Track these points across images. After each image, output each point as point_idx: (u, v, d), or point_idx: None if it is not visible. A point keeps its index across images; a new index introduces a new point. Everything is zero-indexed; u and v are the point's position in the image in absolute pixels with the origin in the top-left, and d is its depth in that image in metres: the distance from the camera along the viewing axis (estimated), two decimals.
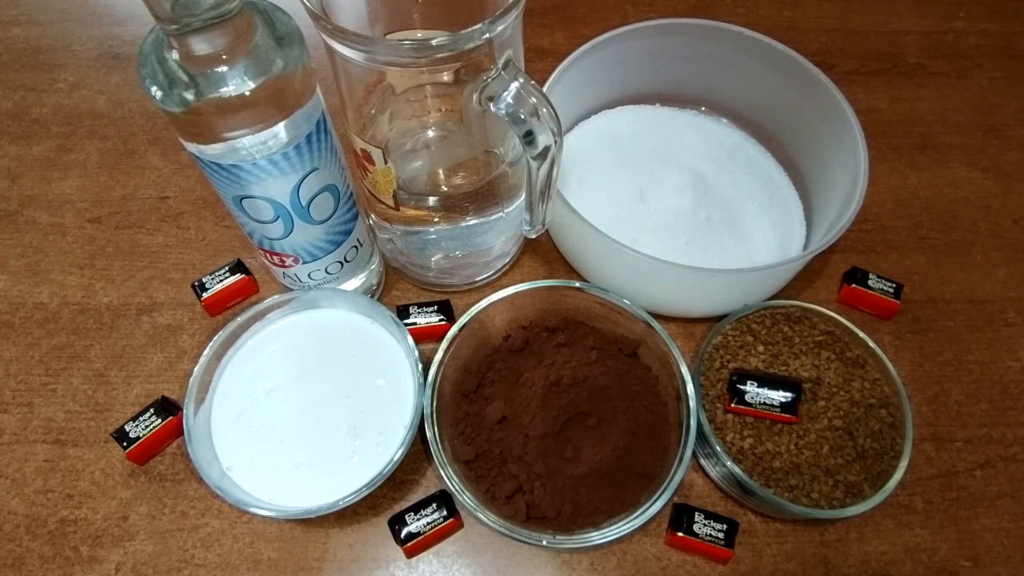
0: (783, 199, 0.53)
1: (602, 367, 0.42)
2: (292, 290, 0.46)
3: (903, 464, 0.40)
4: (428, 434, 0.40)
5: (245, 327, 0.43)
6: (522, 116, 0.34)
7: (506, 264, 0.52)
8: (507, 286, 0.44)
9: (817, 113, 0.50)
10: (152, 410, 0.44)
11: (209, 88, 0.30)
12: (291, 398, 0.42)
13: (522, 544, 0.39)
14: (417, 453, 0.45)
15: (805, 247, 0.50)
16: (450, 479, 0.39)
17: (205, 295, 0.49)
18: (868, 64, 0.67)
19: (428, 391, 0.41)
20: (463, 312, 0.44)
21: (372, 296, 0.50)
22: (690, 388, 0.41)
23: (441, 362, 0.42)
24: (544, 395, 0.41)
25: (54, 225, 0.55)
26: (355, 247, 0.44)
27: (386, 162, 0.38)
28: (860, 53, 0.67)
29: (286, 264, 0.42)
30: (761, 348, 0.44)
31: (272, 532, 0.42)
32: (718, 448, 0.40)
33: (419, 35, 0.38)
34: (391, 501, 0.43)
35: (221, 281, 0.50)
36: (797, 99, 0.51)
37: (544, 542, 0.37)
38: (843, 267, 0.53)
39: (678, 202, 0.51)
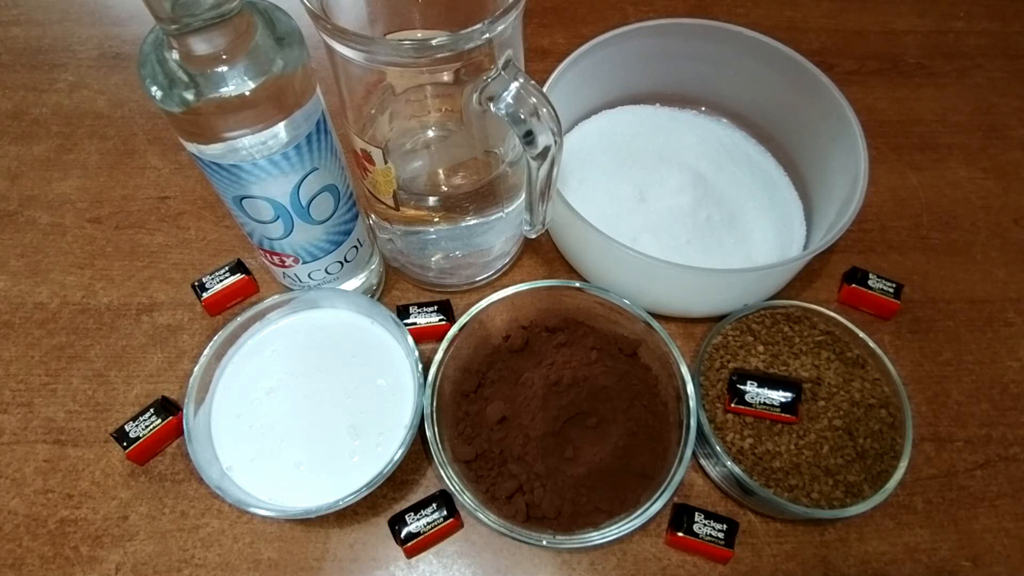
0: (783, 199, 0.53)
1: (602, 367, 0.42)
2: (292, 290, 0.46)
3: (903, 464, 0.40)
4: (428, 434, 0.40)
5: (245, 327, 0.43)
6: (522, 116, 0.34)
7: (506, 264, 0.52)
8: (507, 286, 0.44)
9: (817, 113, 0.50)
10: (152, 410, 0.44)
11: (209, 88, 0.30)
12: (291, 398, 0.42)
13: (522, 544, 0.39)
14: (417, 453, 0.45)
15: (805, 247, 0.50)
16: (450, 479, 0.39)
17: (205, 295, 0.49)
18: (868, 64, 0.67)
19: (428, 391, 0.41)
20: (463, 312, 0.44)
21: (372, 296, 0.50)
22: (690, 388, 0.41)
23: (441, 362, 0.42)
24: (544, 395, 0.41)
25: (54, 225, 0.55)
26: (355, 247, 0.44)
27: (386, 162, 0.38)
28: (860, 53, 0.67)
29: (286, 264, 0.42)
30: (761, 348, 0.44)
31: (272, 532, 0.42)
32: (718, 448, 0.40)
33: (419, 35, 0.38)
34: (391, 501, 0.43)
35: (221, 281, 0.50)
36: (797, 99, 0.51)
37: (544, 542, 0.37)
38: (843, 267, 0.53)
39: (678, 202, 0.51)
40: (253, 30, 0.31)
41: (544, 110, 0.34)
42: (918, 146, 0.61)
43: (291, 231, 0.39)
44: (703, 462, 0.44)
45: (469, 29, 0.31)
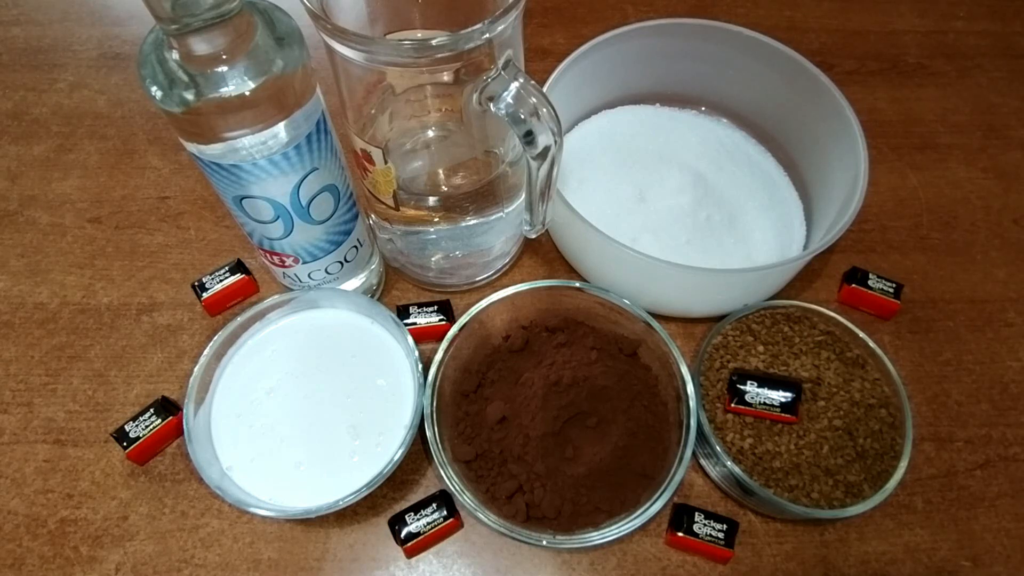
0: (783, 199, 0.53)
1: (602, 367, 0.42)
2: (292, 290, 0.46)
3: (903, 464, 0.40)
4: (428, 434, 0.40)
5: (245, 327, 0.43)
6: (522, 116, 0.34)
7: (506, 264, 0.52)
8: (507, 286, 0.44)
9: (817, 113, 0.50)
10: (152, 410, 0.44)
11: (209, 88, 0.30)
12: (291, 398, 0.42)
13: (522, 544, 0.39)
14: (417, 453, 0.45)
15: (805, 247, 0.50)
16: (450, 479, 0.39)
17: (205, 295, 0.49)
18: (868, 64, 0.67)
19: (428, 391, 0.41)
20: (463, 312, 0.44)
21: (372, 296, 0.50)
22: (690, 388, 0.41)
23: (441, 362, 0.42)
24: (544, 395, 0.41)
25: (54, 225, 0.55)
26: (355, 247, 0.44)
27: (386, 162, 0.38)
28: (860, 53, 0.67)
29: (286, 264, 0.42)
30: (761, 348, 0.44)
31: (272, 532, 0.42)
32: (718, 448, 0.40)
33: (419, 35, 0.38)
34: (391, 501, 0.43)
35: (221, 281, 0.50)
36: (797, 99, 0.51)
37: (544, 542, 0.37)
38: (843, 267, 0.53)
39: (678, 202, 0.51)
40: (253, 30, 0.31)
41: (544, 110, 0.34)
42: (918, 146, 0.61)
43: (291, 231, 0.39)
44: (703, 462, 0.44)
45: (469, 29, 0.31)
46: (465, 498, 0.38)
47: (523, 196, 0.42)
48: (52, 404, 0.47)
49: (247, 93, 0.30)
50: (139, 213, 0.56)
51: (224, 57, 0.30)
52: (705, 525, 0.41)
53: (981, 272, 0.54)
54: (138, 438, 0.43)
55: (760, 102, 0.55)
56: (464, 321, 0.43)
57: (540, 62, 0.64)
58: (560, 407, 0.40)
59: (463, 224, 0.45)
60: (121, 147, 0.60)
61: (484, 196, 0.43)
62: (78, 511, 0.43)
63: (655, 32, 0.52)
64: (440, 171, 0.45)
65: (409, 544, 0.41)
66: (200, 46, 0.29)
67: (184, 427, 0.39)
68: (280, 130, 0.33)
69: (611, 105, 0.58)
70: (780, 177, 0.54)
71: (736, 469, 0.40)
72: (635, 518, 0.38)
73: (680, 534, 0.40)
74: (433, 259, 0.48)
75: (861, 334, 0.44)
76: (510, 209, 0.45)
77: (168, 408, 0.44)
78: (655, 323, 0.43)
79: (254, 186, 0.35)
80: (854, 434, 0.41)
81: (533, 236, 0.44)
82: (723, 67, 0.54)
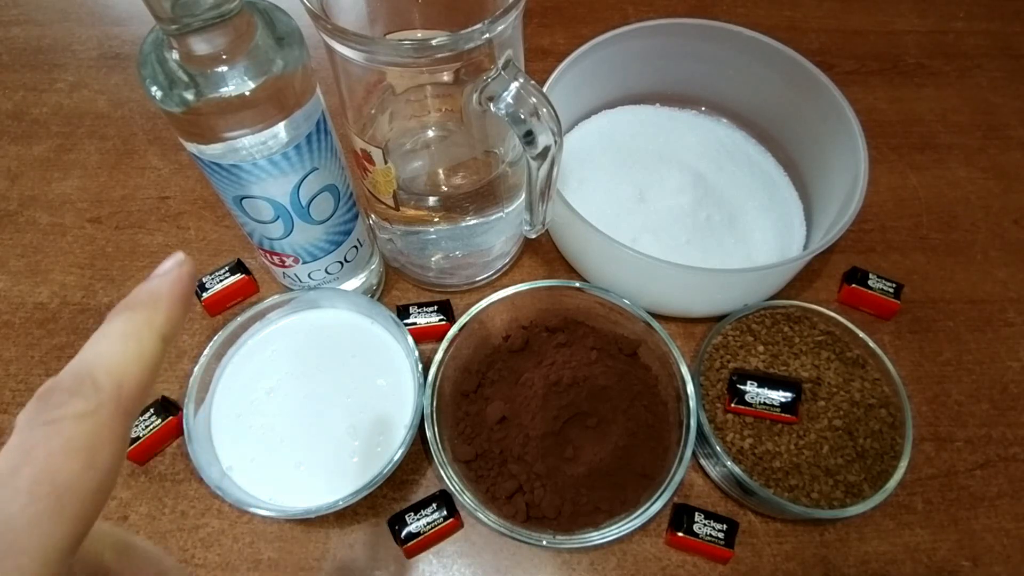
0: (783, 199, 0.53)
1: (602, 367, 0.42)
2: (292, 290, 0.46)
3: (903, 464, 0.40)
4: (428, 434, 0.40)
5: (245, 327, 0.43)
6: (522, 116, 0.34)
7: (506, 264, 0.52)
8: (507, 286, 0.44)
9: (817, 113, 0.50)
10: (152, 410, 0.44)
11: (209, 88, 0.30)
12: (291, 398, 0.42)
13: (522, 544, 0.39)
14: (417, 453, 0.45)
15: (805, 247, 0.50)
16: (450, 479, 0.39)
17: (205, 295, 0.49)
18: (868, 64, 0.67)
19: (428, 391, 0.41)
20: (463, 312, 0.44)
21: (372, 296, 0.50)
22: (690, 388, 0.41)
23: (441, 362, 0.42)
24: (544, 395, 0.41)
25: (54, 225, 0.55)
26: (355, 247, 0.44)
27: (386, 162, 0.38)
28: (860, 53, 0.67)
29: (286, 264, 0.42)
30: (761, 348, 0.44)
31: (272, 532, 0.42)
32: (718, 448, 0.40)
33: (419, 35, 0.38)
34: (391, 501, 0.43)
35: (221, 281, 0.50)
36: (797, 99, 0.51)
37: (544, 542, 0.37)
38: (843, 267, 0.53)
39: (678, 202, 0.51)
40: (253, 30, 0.31)
41: (544, 110, 0.34)
42: (918, 146, 0.61)
43: (291, 231, 0.39)
44: (703, 462, 0.44)
45: (469, 29, 0.31)
46: (465, 498, 0.38)
47: (523, 196, 0.42)
48: None
49: (247, 93, 0.30)
50: (139, 213, 0.56)
51: (224, 57, 0.30)
52: (705, 525, 0.41)
53: (981, 272, 0.54)
54: (138, 438, 0.43)
55: (760, 102, 0.55)
56: (464, 321, 0.43)
57: (540, 62, 0.64)
58: (560, 407, 0.40)
59: (463, 224, 0.45)
60: (121, 147, 0.60)
61: (484, 196, 0.43)
62: None
63: (655, 32, 0.52)
64: (440, 171, 0.45)
65: (409, 544, 0.41)
66: (200, 46, 0.29)
67: (184, 427, 0.39)
68: (280, 130, 0.33)
69: (611, 105, 0.58)
70: (780, 177, 0.54)
71: (736, 469, 0.40)
72: (635, 518, 0.38)
73: (680, 534, 0.40)
74: (433, 259, 0.48)
75: (861, 334, 0.44)
76: (510, 209, 0.45)
77: (168, 408, 0.44)
78: (655, 323, 0.43)
79: (254, 186, 0.35)
80: (854, 434, 0.41)
81: (533, 236, 0.44)
82: (723, 67, 0.54)
